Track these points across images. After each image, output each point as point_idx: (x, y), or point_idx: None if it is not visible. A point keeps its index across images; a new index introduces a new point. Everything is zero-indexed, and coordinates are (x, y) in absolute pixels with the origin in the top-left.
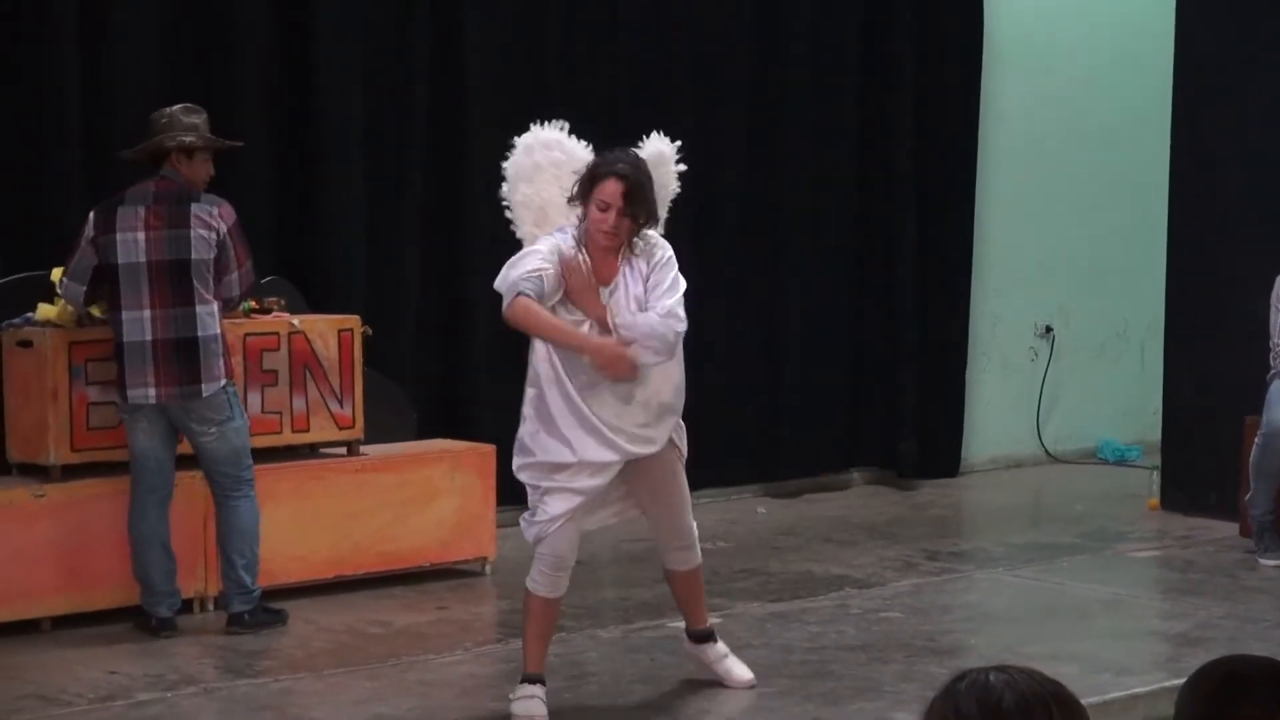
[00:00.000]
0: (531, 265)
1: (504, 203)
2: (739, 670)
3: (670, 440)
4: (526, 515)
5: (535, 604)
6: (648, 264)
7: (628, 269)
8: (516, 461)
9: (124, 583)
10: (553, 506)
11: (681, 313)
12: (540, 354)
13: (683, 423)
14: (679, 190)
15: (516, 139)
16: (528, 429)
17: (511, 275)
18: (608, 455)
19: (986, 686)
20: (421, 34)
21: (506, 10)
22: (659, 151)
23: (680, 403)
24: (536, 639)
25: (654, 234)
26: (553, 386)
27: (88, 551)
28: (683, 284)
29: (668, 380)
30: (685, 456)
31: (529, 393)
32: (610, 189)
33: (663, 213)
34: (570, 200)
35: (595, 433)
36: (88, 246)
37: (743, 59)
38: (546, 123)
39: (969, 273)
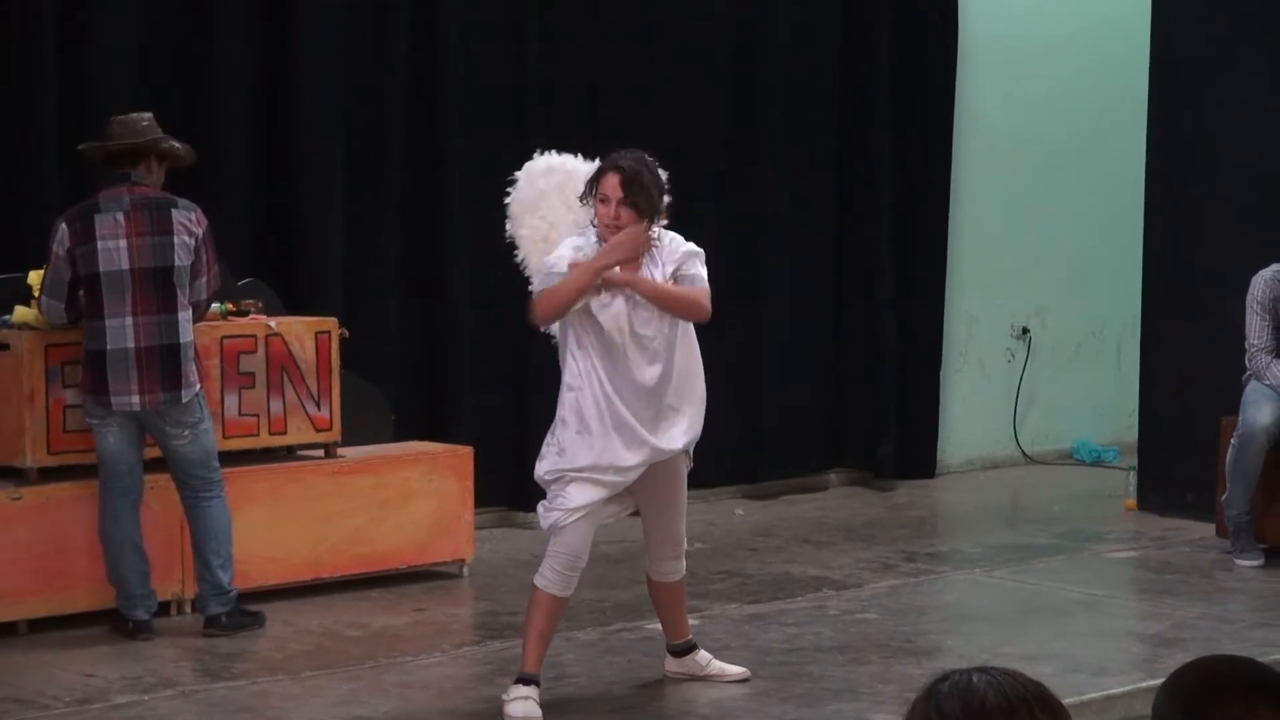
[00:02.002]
0: (558, 268)
1: (509, 239)
2: (729, 667)
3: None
4: (545, 502)
5: (544, 600)
6: (668, 254)
7: (648, 261)
8: (549, 463)
9: (101, 585)
10: (574, 497)
11: (707, 303)
12: (578, 354)
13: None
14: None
15: (517, 172)
16: (568, 433)
17: (541, 281)
18: (639, 457)
19: (969, 687)
20: (400, 35)
21: (485, 11)
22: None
23: (698, 401)
24: (540, 638)
25: (678, 236)
26: (595, 385)
27: (65, 554)
28: (705, 279)
29: (686, 379)
30: (692, 465)
31: (568, 396)
32: (609, 182)
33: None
34: (582, 202)
35: (630, 432)
36: (62, 261)
37: (722, 59)
38: (546, 151)
39: (944, 274)
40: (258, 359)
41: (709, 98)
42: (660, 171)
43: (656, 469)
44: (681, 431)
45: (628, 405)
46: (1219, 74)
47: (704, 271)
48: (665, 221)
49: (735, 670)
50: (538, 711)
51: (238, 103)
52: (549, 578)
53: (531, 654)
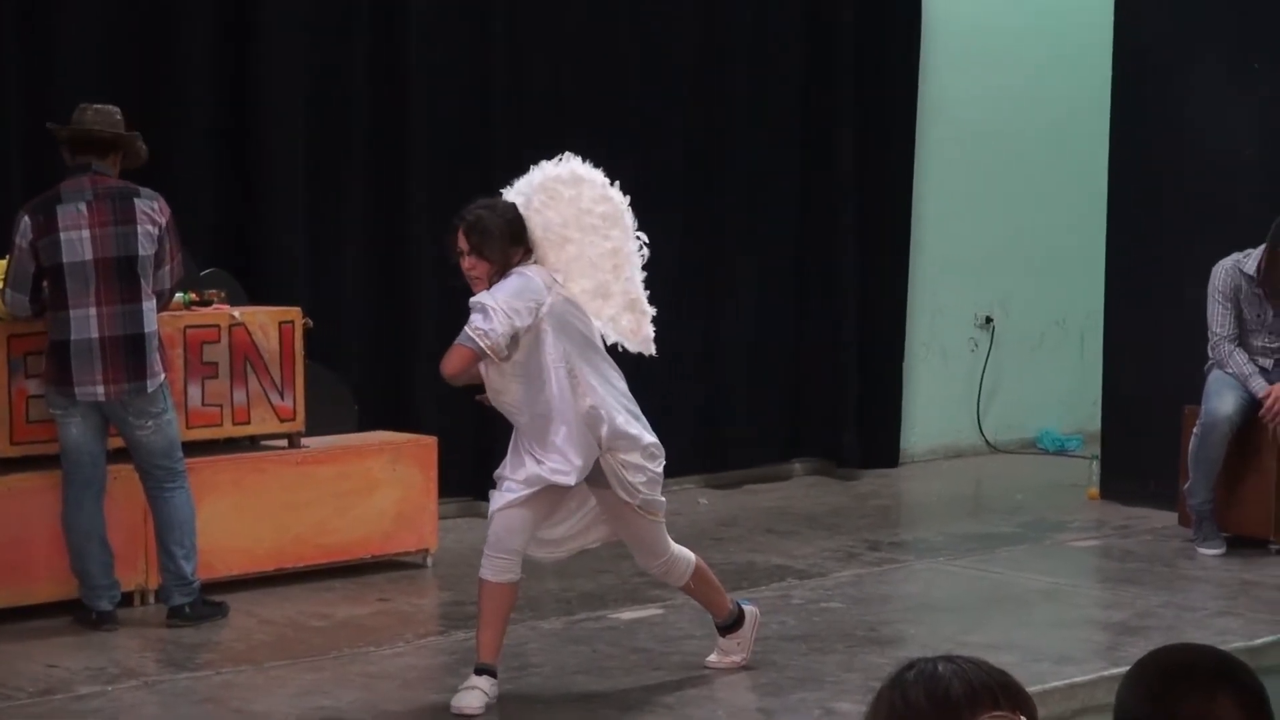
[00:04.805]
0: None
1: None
2: (723, 658)
3: (607, 479)
4: None
5: (481, 586)
6: None
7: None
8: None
9: (64, 576)
10: (495, 497)
11: (480, 324)
12: None
13: (646, 466)
14: (617, 204)
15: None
16: None
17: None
18: (530, 472)
19: (934, 676)
20: (363, 25)
21: (450, 1)
22: (571, 171)
23: (577, 436)
24: (482, 625)
25: (507, 281)
26: None
27: (27, 545)
28: (494, 300)
29: (562, 415)
30: (641, 501)
31: None
32: (458, 237)
33: (576, 232)
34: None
35: (524, 447)
36: (25, 253)
37: (685, 49)
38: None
39: (908, 264)
40: (221, 349)
41: (671, 90)
42: (518, 213)
43: (607, 507)
44: (563, 466)
45: (517, 430)
46: (1182, 65)
47: (474, 320)
48: (532, 259)
49: (726, 660)
50: (475, 701)
51: (201, 91)
52: (482, 563)
53: (479, 642)
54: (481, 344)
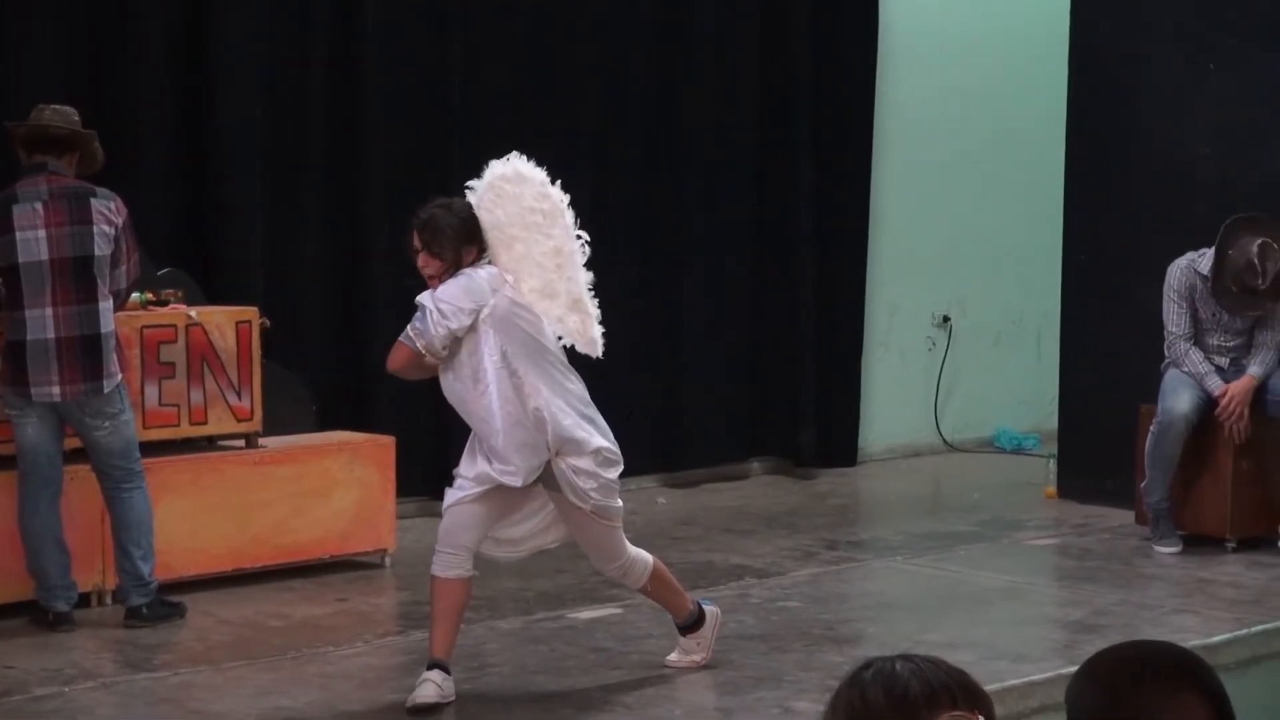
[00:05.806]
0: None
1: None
2: (684, 657)
3: (558, 483)
4: None
5: (431, 584)
6: None
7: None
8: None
9: (20, 577)
10: (446, 497)
11: (417, 324)
12: None
13: (598, 473)
14: (556, 202)
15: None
16: None
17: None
18: (479, 469)
19: (893, 675)
20: (320, 28)
21: (407, 3)
22: (515, 170)
23: (521, 438)
24: (434, 622)
25: (454, 281)
26: None
27: None
28: (432, 301)
29: (505, 416)
30: (593, 506)
31: None
32: (413, 236)
33: (521, 231)
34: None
35: (480, 453)
36: None
37: (642, 47)
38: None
39: (865, 263)
40: (178, 349)
41: (630, 87)
42: (473, 213)
43: (562, 510)
44: (509, 467)
45: (474, 429)
46: (1137, 65)
47: (414, 319)
48: (485, 259)
49: (686, 660)
50: (429, 694)
51: (156, 90)
52: (432, 559)
53: (431, 639)
54: (417, 343)
